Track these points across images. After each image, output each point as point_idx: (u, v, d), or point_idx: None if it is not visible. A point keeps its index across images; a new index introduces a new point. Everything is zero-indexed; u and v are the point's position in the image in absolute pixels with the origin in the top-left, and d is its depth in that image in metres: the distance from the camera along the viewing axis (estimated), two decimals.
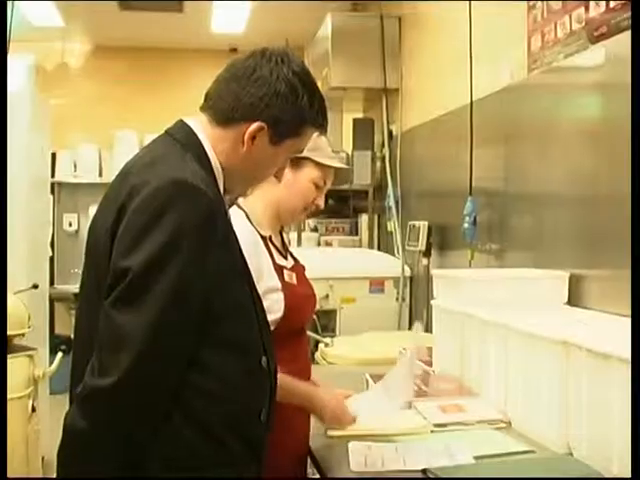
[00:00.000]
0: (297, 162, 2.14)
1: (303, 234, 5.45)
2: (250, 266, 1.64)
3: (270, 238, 2.14)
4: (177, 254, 1.38)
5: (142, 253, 1.37)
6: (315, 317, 4.33)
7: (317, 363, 3.49)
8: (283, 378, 1.79)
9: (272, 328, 1.93)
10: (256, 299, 1.63)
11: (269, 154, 1.61)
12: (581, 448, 1.93)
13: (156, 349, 1.37)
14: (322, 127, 1.68)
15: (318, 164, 2.18)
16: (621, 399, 1.74)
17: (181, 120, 1.62)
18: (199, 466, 1.45)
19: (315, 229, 5.72)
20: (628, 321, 2.19)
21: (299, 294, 2.13)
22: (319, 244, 5.47)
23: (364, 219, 5.52)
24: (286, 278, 2.11)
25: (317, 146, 2.13)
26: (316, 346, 3.62)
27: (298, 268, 2.24)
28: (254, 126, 1.55)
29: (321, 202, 2.23)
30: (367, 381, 2.64)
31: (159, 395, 1.41)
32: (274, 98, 1.55)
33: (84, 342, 1.49)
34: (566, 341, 1.97)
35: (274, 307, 2.01)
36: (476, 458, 1.94)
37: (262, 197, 2.16)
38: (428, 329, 3.60)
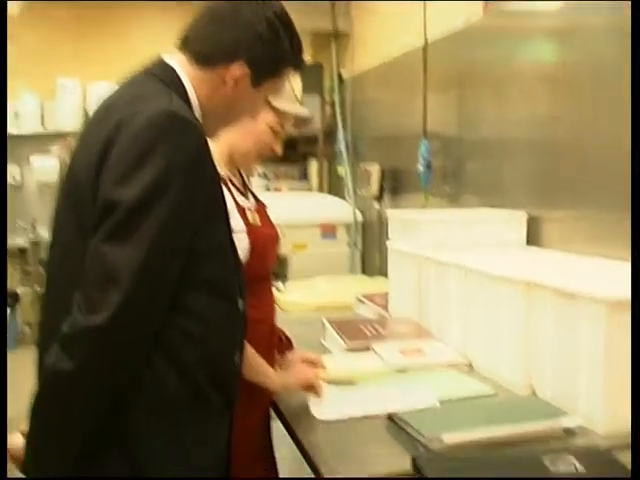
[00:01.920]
0: None
1: (252, 180, 5.34)
2: None
3: (230, 179, 2.07)
4: (169, 189, 1.33)
5: (134, 186, 1.31)
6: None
7: None
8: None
9: None
10: (232, 239, 1.58)
11: (250, 96, 1.61)
12: (545, 389, 1.92)
13: (147, 285, 1.32)
14: (300, 67, 1.68)
15: (276, 108, 2.11)
16: (588, 339, 1.73)
17: (162, 59, 1.57)
18: (180, 410, 1.41)
19: (264, 176, 5.64)
20: (590, 260, 2.21)
21: (264, 236, 2.05)
22: (268, 190, 5.40)
23: (314, 164, 5.46)
24: (249, 219, 2.03)
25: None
26: None
27: (260, 208, 2.15)
28: (237, 68, 1.54)
29: (278, 148, 2.16)
30: (324, 326, 2.61)
31: (148, 333, 1.35)
32: (256, 39, 1.54)
33: (59, 291, 1.42)
34: (530, 281, 1.95)
35: (238, 250, 1.93)
36: (441, 402, 1.92)
37: (216, 138, 2.07)
38: (382, 273, 3.59)
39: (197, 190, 1.38)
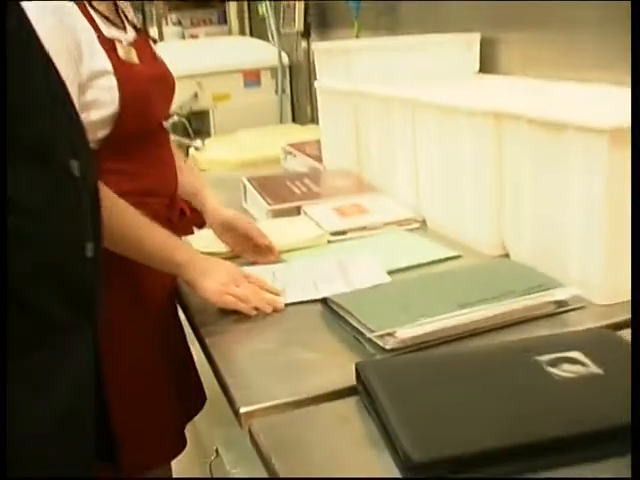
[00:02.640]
0: None
1: (165, 29, 4.76)
2: (51, 45, 1.05)
3: (90, 3, 1.51)
4: None
5: None
6: (185, 121, 3.83)
7: None
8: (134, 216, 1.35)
9: (106, 131, 1.40)
10: (59, 90, 1.06)
11: None
12: (521, 249, 1.50)
13: None
14: None
15: None
16: (582, 180, 1.30)
17: None
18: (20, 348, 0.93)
19: (178, 23, 5.04)
20: (565, 85, 1.76)
21: (143, 77, 1.48)
22: (183, 39, 4.82)
23: (233, 6, 4.85)
24: (121, 54, 1.46)
25: None
26: (187, 154, 3.09)
27: (142, 43, 1.58)
28: None
29: None
30: (245, 187, 2.14)
31: None
32: None
33: None
34: (499, 112, 1.49)
35: (104, 98, 1.39)
36: (391, 273, 1.50)
37: None
38: (315, 120, 3.12)
39: None
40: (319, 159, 2.48)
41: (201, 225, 1.68)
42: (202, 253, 1.51)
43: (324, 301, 1.34)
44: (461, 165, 1.63)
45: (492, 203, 1.56)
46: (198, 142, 3.02)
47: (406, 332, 1.14)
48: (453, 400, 0.94)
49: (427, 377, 1.01)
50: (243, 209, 2.10)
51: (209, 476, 1.83)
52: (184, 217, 1.62)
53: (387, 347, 1.13)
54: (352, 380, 1.07)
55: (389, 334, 1.14)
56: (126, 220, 1.34)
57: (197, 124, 3.86)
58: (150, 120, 1.50)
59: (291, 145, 2.66)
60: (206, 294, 1.38)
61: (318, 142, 2.53)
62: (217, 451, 1.80)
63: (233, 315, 1.38)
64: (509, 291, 1.25)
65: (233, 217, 1.65)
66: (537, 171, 1.42)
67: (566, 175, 1.33)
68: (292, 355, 1.22)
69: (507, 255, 1.56)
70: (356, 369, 1.06)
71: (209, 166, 2.84)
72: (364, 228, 1.79)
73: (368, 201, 1.93)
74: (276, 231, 1.73)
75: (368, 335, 1.15)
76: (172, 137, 3.33)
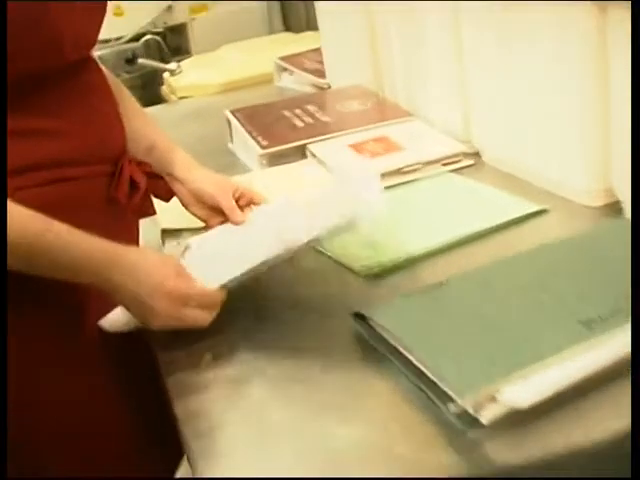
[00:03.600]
0: None
1: None
2: None
3: None
4: None
5: None
6: (160, 39, 3.29)
7: (165, 102, 2.45)
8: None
9: None
10: None
11: None
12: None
13: None
14: None
15: None
16: None
17: None
18: None
19: None
20: None
21: None
22: None
23: None
24: None
25: None
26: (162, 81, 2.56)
27: None
28: None
29: None
30: (229, 122, 1.61)
31: None
32: None
33: None
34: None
35: None
36: (449, 247, 0.99)
37: None
38: (312, 27, 2.56)
39: None
40: (321, 74, 1.96)
41: (167, 196, 1.14)
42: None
43: (359, 316, 0.83)
44: (539, 75, 1.10)
45: (594, 128, 1.04)
46: (173, 64, 2.47)
47: (517, 395, 0.63)
48: None
49: None
50: (229, 152, 1.58)
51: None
52: (137, 190, 1.07)
53: (486, 421, 0.63)
54: None
55: (486, 398, 0.64)
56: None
57: (174, 42, 3.33)
58: (59, 49, 0.93)
59: (284, 59, 2.12)
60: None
61: (318, 52, 2.01)
62: None
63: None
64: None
65: (204, 183, 1.12)
66: None
67: None
68: (313, 431, 0.72)
69: (617, 206, 1.04)
70: None
71: (187, 92, 2.31)
72: (398, 172, 1.27)
73: (397, 131, 1.41)
74: (274, 188, 1.21)
75: (454, 409, 0.65)
76: (141, 61, 2.84)
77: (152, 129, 1.13)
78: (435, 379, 0.68)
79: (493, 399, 0.64)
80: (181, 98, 2.33)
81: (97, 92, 1.01)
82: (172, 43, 3.31)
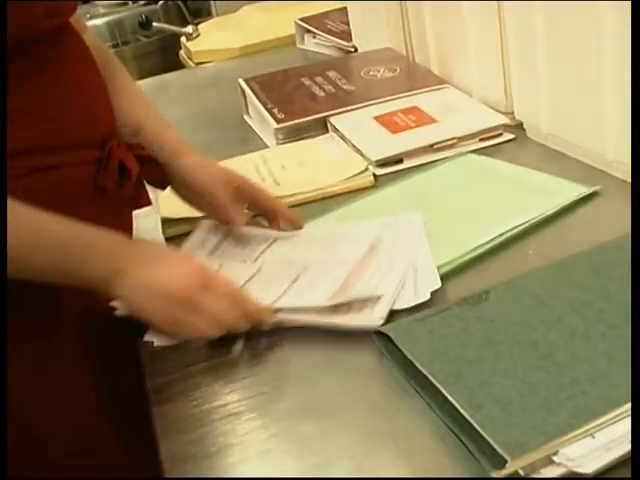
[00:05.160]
0: None
1: None
2: None
3: None
4: None
5: None
6: (179, 1, 3.16)
7: (184, 67, 2.31)
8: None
9: None
10: None
11: None
12: None
13: None
14: None
15: None
16: None
17: None
18: None
19: None
20: None
21: None
22: None
23: None
24: None
25: None
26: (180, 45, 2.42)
27: None
28: None
29: None
30: (243, 91, 1.47)
31: None
32: None
33: None
34: None
35: None
36: (492, 242, 0.85)
37: None
38: None
39: None
40: (347, 37, 1.81)
41: (164, 184, 1.00)
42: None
43: (377, 333, 0.69)
44: (595, 38, 0.94)
45: None
46: (189, 28, 2.32)
47: (581, 456, 0.50)
48: None
49: None
50: (245, 125, 1.44)
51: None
52: (128, 178, 0.93)
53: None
54: None
55: (541, 461, 0.50)
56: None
57: (194, 4, 3.19)
58: (31, 15, 0.79)
59: (306, 20, 1.96)
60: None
61: (343, 12, 1.85)
62: None
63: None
64: None
65: (195, 173, 0.97)
66: None
67: None
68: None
69: None
70: None
71: (204, 57, 2.17)
72: (431, 148, 1.12)
73: (429, 101, 1.26)
74: (290, 169, 1.07)
75: (500, 472, 0.51)
76: (155, 25, 2.69)
77: (140, 107, 0.98)
78: (478, 428, 0.54)
79: (550, 461, 0.50)
80: (199, 64, 2.19)
81: (78, 65, 0.86)
82: (192, 6, 3.18)
